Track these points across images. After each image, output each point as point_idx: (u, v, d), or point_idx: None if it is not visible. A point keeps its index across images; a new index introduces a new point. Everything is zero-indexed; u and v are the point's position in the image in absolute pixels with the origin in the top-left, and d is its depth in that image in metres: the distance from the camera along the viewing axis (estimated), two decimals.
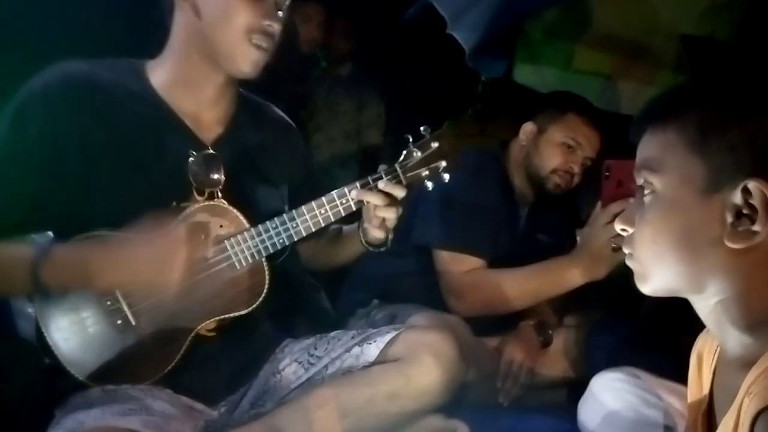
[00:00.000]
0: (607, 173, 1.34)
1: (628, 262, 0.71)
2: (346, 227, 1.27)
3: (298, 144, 1.32)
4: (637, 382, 1.09)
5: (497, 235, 1.59)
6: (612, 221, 1.27)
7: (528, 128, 1.64)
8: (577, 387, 1.52)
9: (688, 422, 0.75)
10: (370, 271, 1.62)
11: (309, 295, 1.84)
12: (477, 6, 2.19)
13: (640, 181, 0.68)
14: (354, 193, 1.09)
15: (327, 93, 2.79)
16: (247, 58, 1.08)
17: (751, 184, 0.59)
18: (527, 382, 1.46)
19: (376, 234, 1.13)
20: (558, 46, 2.47)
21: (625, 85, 2.46)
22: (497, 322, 1.56)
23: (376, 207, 1.08)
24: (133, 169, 1.05)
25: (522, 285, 1.49)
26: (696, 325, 0.81)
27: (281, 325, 1.28)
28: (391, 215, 1.09)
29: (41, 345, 1.04)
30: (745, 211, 0.60)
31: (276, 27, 1.09)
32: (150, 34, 1.13)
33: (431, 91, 3.44)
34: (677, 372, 1.08)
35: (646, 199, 0.67)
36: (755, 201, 0.59)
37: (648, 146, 0.67)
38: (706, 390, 0.71)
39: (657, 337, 1.47)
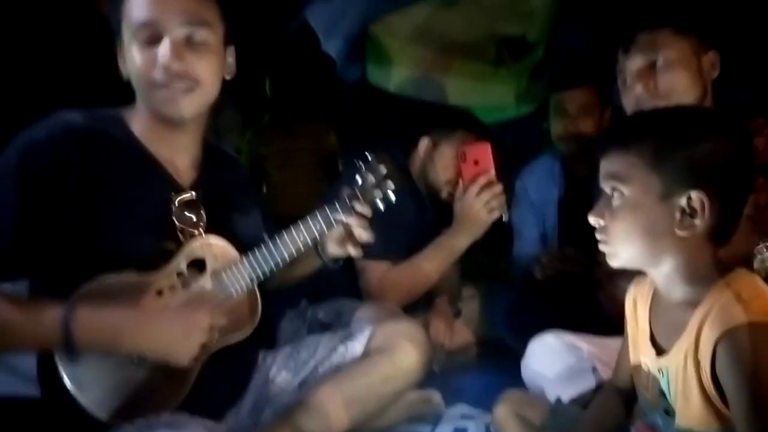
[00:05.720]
0: (463, 157, 1.68)
1: (601, 247, 0.97)
2: None
3: (250, 179, 1.45)
4: (563, 339, 1.39)
5: (414, 233, 1.79)
6: (480, 192, 1.65)
7: (424, 143, 1.86)
8: (483, 346, 1.88)
9: (629, 349, 1.04)
10: None
11: None
12: (343, 16, 2.37)
13: (607, 187, 0.94)
14: (342, 216, 1.22)
15: None
16: (168, 102, 1.10)
17: (693, 194, 0.88)
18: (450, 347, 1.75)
19: (351, 251, 1.27)
20: (400, 47, 2.74)
21: (458, 80, 2.81)
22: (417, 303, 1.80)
23: (353, 228, 1.24)
24: (123, 212, 1.11)
25: (427, 265, 1.74)
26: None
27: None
28: (365, 233, 1.25)
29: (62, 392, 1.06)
30: (688, 211, 0.89)
31: (182, 64, 1.08)
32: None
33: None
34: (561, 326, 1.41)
35: (615, 201, 0.93)
36: (696, 205, 0.88)
37: (613, 163, 0.93)
38: (643, 324, 1.01)
39: (543, 299, 1.84)
